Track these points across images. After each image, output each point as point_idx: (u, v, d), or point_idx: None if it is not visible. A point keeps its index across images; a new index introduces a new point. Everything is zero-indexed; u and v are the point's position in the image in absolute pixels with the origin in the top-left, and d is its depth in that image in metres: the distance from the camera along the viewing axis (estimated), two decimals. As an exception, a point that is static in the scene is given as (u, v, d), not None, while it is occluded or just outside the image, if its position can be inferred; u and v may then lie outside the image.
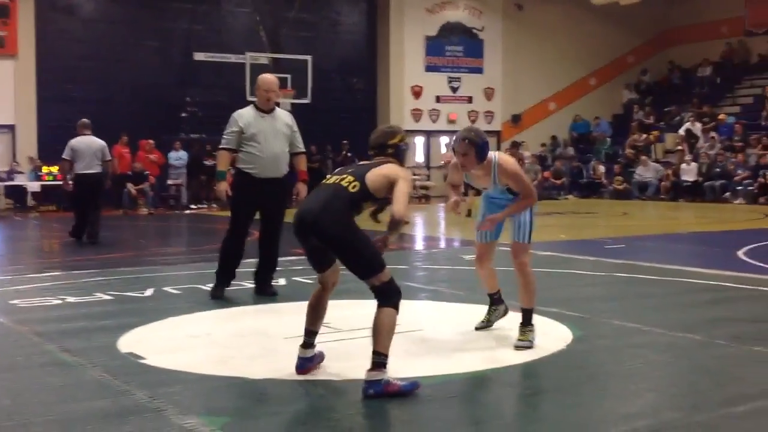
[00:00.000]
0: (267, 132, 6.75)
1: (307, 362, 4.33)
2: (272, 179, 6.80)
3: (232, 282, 7.07)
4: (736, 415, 3.70)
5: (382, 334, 4.01)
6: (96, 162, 12.12)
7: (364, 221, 4.24)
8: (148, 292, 7.30)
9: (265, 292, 7.00)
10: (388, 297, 4.09)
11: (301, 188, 6.99)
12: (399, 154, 4.46)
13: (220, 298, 6.84)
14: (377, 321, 4.06)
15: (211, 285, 7.02)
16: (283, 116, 7.02)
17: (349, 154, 24.30)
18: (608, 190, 24.19)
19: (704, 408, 3.80)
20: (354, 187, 4.16)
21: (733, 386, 4.19)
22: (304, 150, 7.15)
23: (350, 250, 4.13)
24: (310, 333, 4.42)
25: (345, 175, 4.24)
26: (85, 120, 12.58)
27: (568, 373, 4.49)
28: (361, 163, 4.43)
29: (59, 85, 21.14)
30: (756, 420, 3.63)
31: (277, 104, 7.09)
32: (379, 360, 3.96)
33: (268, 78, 6.98)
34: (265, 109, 6.86)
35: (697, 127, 24.26)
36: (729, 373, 4.46)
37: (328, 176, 4.36)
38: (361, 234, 4.14)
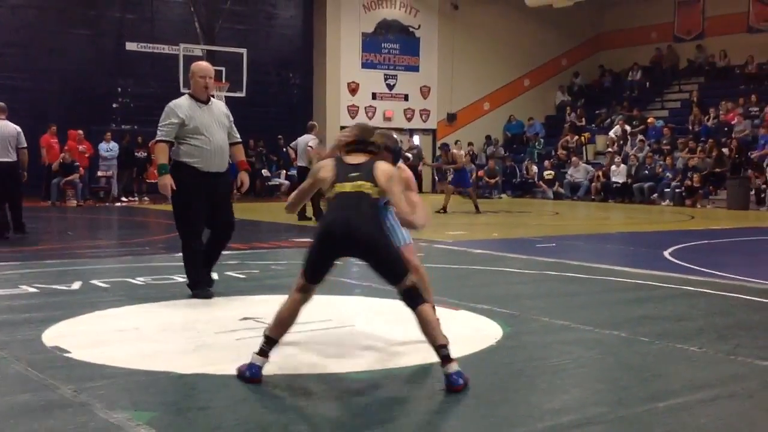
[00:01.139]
0: (208, 123, 6.42)
1: (260, 371, 4.19)
2: (218, 173, 6.51)
3: (168, 277, 6.96)
4: (659, 410, 3.79)
5: (435, 328, 4.09)
6: (9, 150, 11.14)
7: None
8: (76, 285, 7.15)
9: (207, 293, 6.61)
10: (418, 295, 4.15)
11: (244, 178, 6.81)
12: (397, 156, 4.71)
13: (206, 297, 6.50)
14: (426, 319, 4.10)
15: (189, 283, 6.64)
16: (220, 106, 6.76)
17: (285, 149, 24.18)
18: (541, 190, 24.57)
19: (628, 403, 3.88)
20: (376, 192, 4.21)
21: (657, 382, 4.29)
22: (240, 140, 6.89)
23: (387, 256, 4.17)
24: (273, 343, 4.21)
25: (359, 182, 4.18)
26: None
27: (496, 369, 4.55)
28: (353, 163, 4.28)
29: (-15, 72, 20.54)
30: (677, 415, 3.72)
31: (211, 95, 6.82)
32: (447, 351, 4.03)
33: (204, 65, 6.65)
34: (202, 98, 6.51)
35: (624, 130, 24.84)
36: (653, 369, 4.57)
37: (338, 183, 4.20)
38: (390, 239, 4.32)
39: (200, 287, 6.56)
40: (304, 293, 4.22)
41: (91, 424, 3.51)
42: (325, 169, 4.30)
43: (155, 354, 4.71)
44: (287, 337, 5.14)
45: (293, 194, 4.67)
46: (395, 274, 4.15)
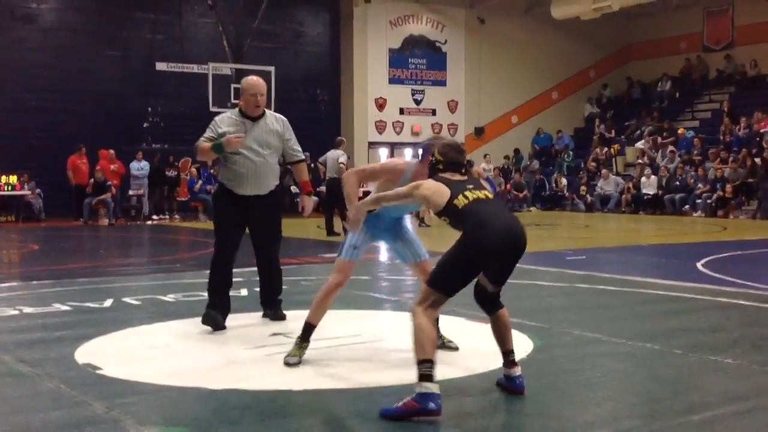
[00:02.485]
0: (248, 143, 5.92)
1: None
2: (256, 196, 6.03)
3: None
4: (693, 423, 3.74)
5: (510, 332, 4.25)
6: None
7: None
8: (107, 302, 7.21)
9: (275, 316, 6.33)
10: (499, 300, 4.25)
11: (306, 202, 6.42)
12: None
13: (210, 324, 5.93)
14: (505, 324, 4.24)
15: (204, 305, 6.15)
16: (272, 121, 6.16)
17: (312, 165, 24.31)
18: (570, 203, 24.43)
19: (662, 416, 3.83)
20: None
21: (691, 395, 4.24)
22: (302, 158, 6.34)
23: None
24: (434, 363, 3.81)
25: (486, 191, 4.14)
26: None
27: (528, 382, 4.50)
28: (459, 180, 4.16)
29: (18, 94, 20.87)
30: (712, 428, 3.67)
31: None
32: (515, 355, 4.20)
33: (254, 80, 6.12)
34: (253, 115, 6.06)
35: (654, 140, 24.66)
36: (686, 382, 4.51)
37: (470, 190, 4.06)
38: None
39: (209, 313, 6.00)
40: (437, 309, 4.01)
41: (123, 440, 3.53)
42: (428, 187, 4.10)
43: (186, 370, 4.73)
44: (315, 352, 5.16)
45: (376, 197, 4.48)
46: (507, 278, 4.20)
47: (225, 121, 6.07)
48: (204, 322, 5.95)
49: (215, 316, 5.96)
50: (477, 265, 4.02)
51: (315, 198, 6.27)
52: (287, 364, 4.81)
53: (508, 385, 4.16)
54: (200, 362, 4.98)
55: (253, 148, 5.97)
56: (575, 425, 3.76)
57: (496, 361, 4.74)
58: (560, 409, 4.06)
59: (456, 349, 5.10)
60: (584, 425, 3.75)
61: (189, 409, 4.03)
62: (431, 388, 3.67)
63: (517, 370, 4.15)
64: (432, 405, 3.64)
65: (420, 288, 4.10)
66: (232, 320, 6.36)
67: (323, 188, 16.25)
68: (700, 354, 5.10)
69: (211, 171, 20.38)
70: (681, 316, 6.56)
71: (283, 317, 6.28)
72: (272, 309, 6.36)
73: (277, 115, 6.24)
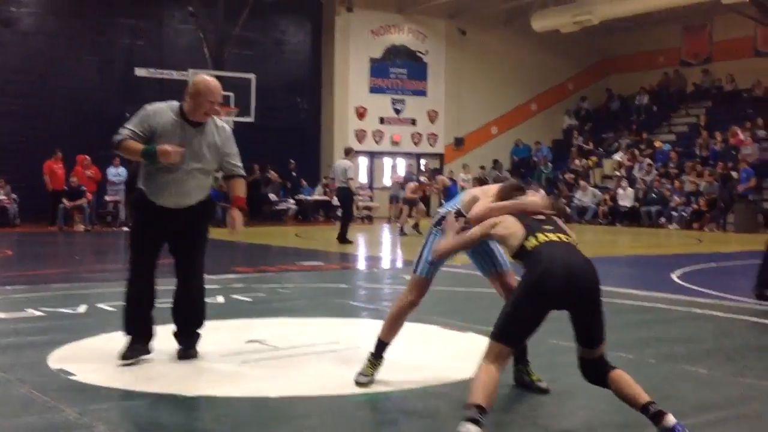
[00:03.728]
0: (186, 150, 4.97)
1: None
2: (180, 210, 5.09)
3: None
4: (666, 432, 3.75)
5: (636, 386, 3.77)
6: None
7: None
8: (82, 308, 7.15)
9: (185, 354, 5.19)
10: (607, 362, 3.88)
11: (236, 216, 5.28)
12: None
13: (130, 359, 4.98)
14: (626, 382, 3.77)
15: None
16: (213, 132, 5.17)
17: (294, 173, 24.28)
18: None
19: (636, 426, 3.85)
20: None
21: (664, 404, 4.23)
22: (241, 173, 5.36)
23: (601, 310, 3.84)
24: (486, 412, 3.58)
25: (560, 234, 3.92)
26: None
27: (503, 390, 4.51)
28: (539, 219, 4.05)
29: (-5, 98, 20.70)
30: (685, 437, 3.68)
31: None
32: (657, 406, 3.65)
33: (215, 85, 5.16)
34: (195, 120, 5.07)
35: (627, 156, 24.90)
36: (660, 391, 4.52)
37: (547, 233, 3.87)
38: None
39: (132, 344, 5.06)
40: (503, 362, 3.68)
41: (95, 446, 3.50)
42: (507, 226, 3.95)
43: (160, 377, 4.70)
44: (291, 360, 5.14)
45: (458, 241, 4.19)
46: (600, 333, 3.81)
47: (161, 117, 5.04)
48: (125, 357, 4.97)
49: (139, 349, 5.05)
50: (538, 308, 3.70)
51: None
52: (357, 383, 4.55)
53: None
54: (174, 369, 4.94)
55: (185, 160, 4.99)
56: (549, 434, 3.77)
57: (466, 371, 4.75)
58: (535, 417, 4.07)
59: (547, 390, 4.52)
60: (558, 434, 3.76)
61: (162, 417, 4.00)
62: (472, 430, 3.43)
63: (668, 420, 3.56)
64: None
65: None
66: (208, 327, 6.32)
67: (306, 196, 16.33)
68: (674, 364, 5.14)
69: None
70: (655, 326, 6.60)
71: (194, 355, 5.18)
72: (185, 343, 5.23)
73: (220, 123, 5.26)
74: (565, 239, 3.85)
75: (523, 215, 4.01)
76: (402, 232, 17.34)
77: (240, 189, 5.36)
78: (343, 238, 15.17)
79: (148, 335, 5.13)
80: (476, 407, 3.48)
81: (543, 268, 3.65)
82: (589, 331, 3.77)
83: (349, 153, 16.28)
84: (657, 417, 3.59)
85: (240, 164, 5.34)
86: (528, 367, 4.60)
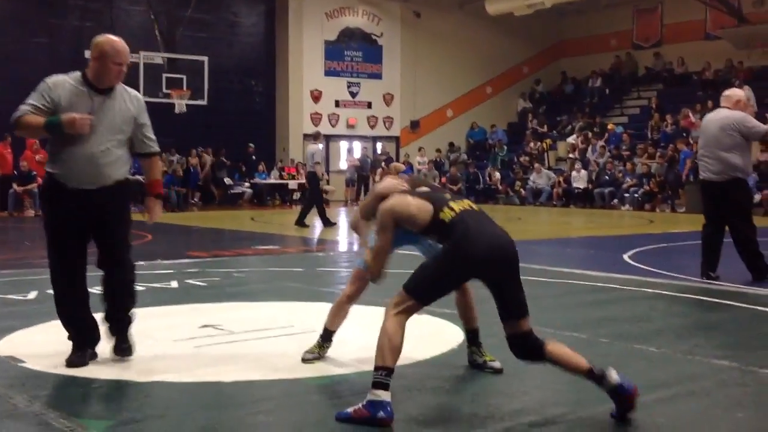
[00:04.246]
0: (95, 124, 4.48)
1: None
2: (93, 191, 4.54)
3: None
4: (617, 409, 3.81)
5: (574, 355, 3.83)
6: None
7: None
8: (32, 294, 7.03)
9: (120, 349, 4.73)
10: (536, 337, 3.87)
11: (153, 205, 4.81)
12: None
13: (77, 366, 4.53)
14: (561, 353, 3.81)
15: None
16: (126, 99, 4.67)
17: (254, 157, 24.10)
18: (504, 196, 24.72)
19: (588, 404, 3.90)
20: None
21: (616, 382, 4.31)
22: (157, 150, 4.81)
23: (520, 281, 3.86)
24: (392, 372, 3.66)
25: (467, 201, 3.97)
26: None
27: (457, 371, 4.55)
28: (441, 190, 4.17)
29: (-60, 80, 20.20)
30: (636, 414, 3.74)
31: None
32: (600, 368, 3.72)
33: (122, 45, 4.65)
34: (102, 86, 4.58)
35: (580, 139, 25.14)
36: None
37: (453, 202, 3.86)
38: None
39: (75, 350, 4.65)
40: (409, 316, 3.75)
41: (45, 434, 3.45)
42: (408, 202, 3.87)
43: (112, 363, 4.64)
44: (247, 344, 5.12)
45: (374, 257, 4.01)
46: (524, 305, 3.82)
47: (63, 87, 4.57)
48: (71, 364, 4.54)
49: (83, 355, 4.61)
50: (461, 275, 3.87)
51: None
52: (303, 360, 4.67)
53: (622, 395, 3.66)
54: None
55: (97, 131, 4.50)
56: (503, 413, 3.80)
57: (422, 352, 4.78)
58: (488, 397, 4.10)
59: (500, 370, 4.51)
60: (512, 413, 3.80)
61: (114, 402, 3.96)
62: (382, 396, 3.52)
63: (614, 376, 3.66)
64: (382, 413, 3.50)
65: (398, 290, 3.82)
66: (161, 313, 6.27)
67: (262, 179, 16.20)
68: (625, 343, 5.21)
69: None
70: (607, 306, 6.69)
71: (128, 351, 4.72)
72: (118, 336, 4.75)
73: (131, 91, 4.75)
74: (476, 207, 3.92)
75: (416, 192, 3.98)
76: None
77: (157, 171, 4.91)
78: (300, 222, 15.18)
79: (92, 338, 4.72)
80: (384, 370, 3.56)
81: (469, 239, 3.70)
82: (511, 302, 3.81)
83: (317, 137, 16.32)
84: (602, 378, 3.67)
85: (155, 139, 4.80)
86: (481, 348, 4.65)
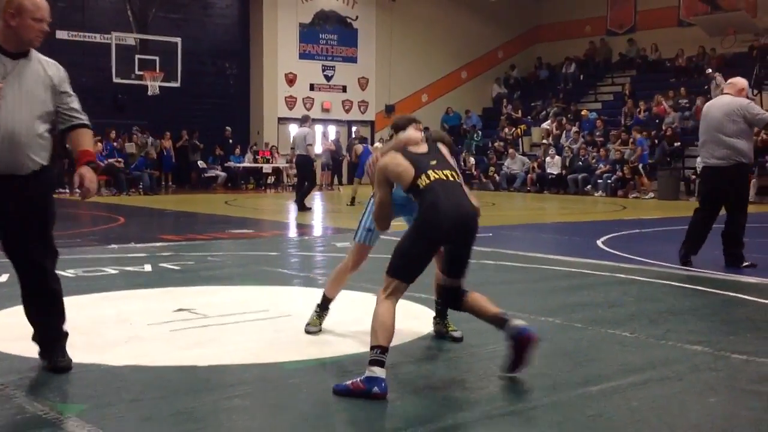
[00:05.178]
0: (7, 92, 3.83)
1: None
2: (9, 178, 3.89)
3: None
4: (592, 394, 3.84)
5: (489, 303, 4.21)
6: None
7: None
8: (3, 278, 6.94)
9: (54, 364, 4.10)
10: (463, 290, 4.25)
11: (86, 173, 4.03)
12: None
13: (62, 369, 4.11)
14: (478, 302, 4.20)
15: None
16: (45, 65, 4.03)
17: (231, 141, 23.94)
18: (479, 182, 24.78)
19: (562, 388, 3.93)
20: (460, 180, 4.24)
21: (590, 367, 4.36)
22: (86, 122, 4.11)
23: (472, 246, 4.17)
24: (387, 350, 3.86)
25: (448, 170, 4.15)
26: None
27: (433, 355, 4.56)
28: (421, 152, 4.22)
29: None
30: (610, 398, 3.78)
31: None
32: (507, 315, 4.13)
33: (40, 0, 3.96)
34: (16, 49, 3.92)
35: (554, 124, 25.26)
36: (586, 354, 4.63)
37: (433, 171, 4.08)
38: None
39: (42, 356, 4.19)
40: (398, 296, 4.00)
41: (18, 417, 3.42)
42: (396, 163, 4.13)
43: (86, 346, 4.60)
44: (222, 328, 5.10)
45: (376, 208, 4.29)
46: (466, 268, 4.21)
47: None
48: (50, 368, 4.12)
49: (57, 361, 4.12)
50: (431, 246, 4.06)
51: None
52: (307, 332, 4.96)
53: (520, 337, 3.98)
54: (101, 338, 4.85)
55: (8, 102, 3.84)
56: (478, 397, 3.82)
57: (402, 336, 4.78)
58: (463, 381, 4.12)
59: (460, 339, 4.83)
60: (487, 396, 3.82)
61: (87, 386, 3.92)
62: (377, 372, 3.72)
63: (518, 322, 4.02)
64: (376, 389, 3.70)
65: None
66: (135, 297, 6.23)
67: (237, 163, 16.10)
68: (599, 328, 5.25)
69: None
70: (581, 292, 6.74)
71: (67, 367, 4.09)
72: (50, 352, 4.14)
73: (50, 60, 4.10)
74: (452, 177, 4.13)
75: (410, 153, 4.19)
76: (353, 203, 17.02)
77: (86, 141, 4.11)
78: (301, 205, 15.23)
79: (62, 338, 4.23)
80: (379, 348, 3.78)
81: (437, 209, 3.96)
82: (459, 264, 4.17)
83: (306, 120, 16.24)
84: (505, 321, 4.04)
85: (81, 109, 4.13)
86: (446, 320, 4.94)
